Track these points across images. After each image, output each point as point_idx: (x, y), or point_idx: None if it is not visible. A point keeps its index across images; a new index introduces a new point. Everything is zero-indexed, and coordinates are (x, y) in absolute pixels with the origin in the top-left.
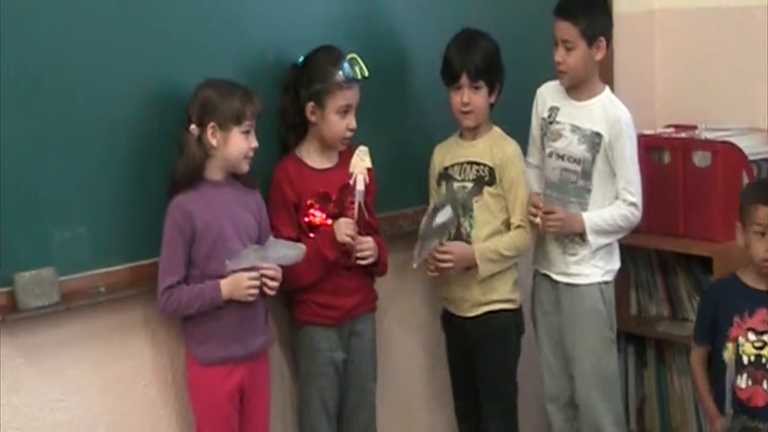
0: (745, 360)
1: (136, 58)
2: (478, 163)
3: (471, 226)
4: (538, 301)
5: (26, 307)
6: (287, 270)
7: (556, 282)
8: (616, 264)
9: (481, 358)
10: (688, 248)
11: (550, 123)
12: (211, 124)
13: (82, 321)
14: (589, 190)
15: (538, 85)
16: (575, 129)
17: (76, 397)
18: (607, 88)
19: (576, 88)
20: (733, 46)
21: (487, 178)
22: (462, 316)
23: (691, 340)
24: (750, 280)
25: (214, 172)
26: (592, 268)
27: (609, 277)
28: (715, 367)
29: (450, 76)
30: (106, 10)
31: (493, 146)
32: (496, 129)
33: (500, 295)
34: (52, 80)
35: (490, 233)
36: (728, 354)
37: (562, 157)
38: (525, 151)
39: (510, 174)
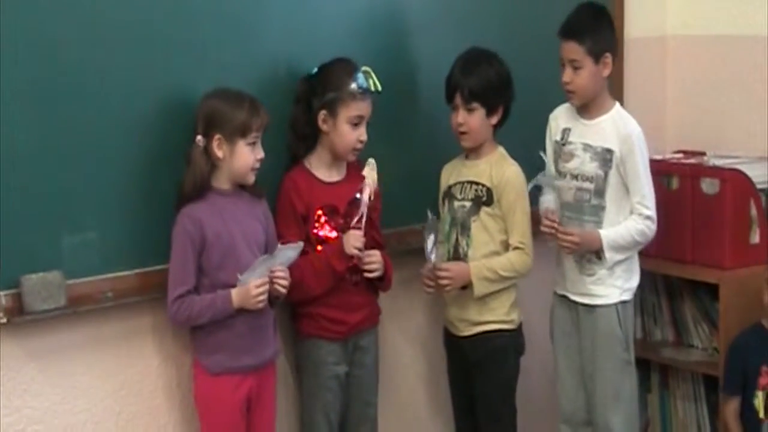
0: None
1: (150, 68)
2: (477, 183)
3: (468, 245)
4: (556, 322)
5: (32, 309)
6: (296, 282)
7: (575, 303)
8: (634, 281)
9: (478, 378)
10: (695, 274)
11: (563, 144)
12: (217, 136)
13: (89, 326)
14: (603, 208)
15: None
16: (587, 147)
17: (80, 401)
18: (617, 104)
19: (586, 107)
20: (744, 73)
21: (484, 198)
22: (459, 336)
23: (722, 393)
24: None
25: (222, 182)
26: (611, 288)
27: (627, 296)
28: (745, 416)
29: (447, 95)
30: (122, 20)
31: (493, 167)
32: (500, 150)
33: (496, 315)
34: (66, 88)
35: (488, 253)
36: (758, 402)
37: (576, 177)
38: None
39: (508, 196)
